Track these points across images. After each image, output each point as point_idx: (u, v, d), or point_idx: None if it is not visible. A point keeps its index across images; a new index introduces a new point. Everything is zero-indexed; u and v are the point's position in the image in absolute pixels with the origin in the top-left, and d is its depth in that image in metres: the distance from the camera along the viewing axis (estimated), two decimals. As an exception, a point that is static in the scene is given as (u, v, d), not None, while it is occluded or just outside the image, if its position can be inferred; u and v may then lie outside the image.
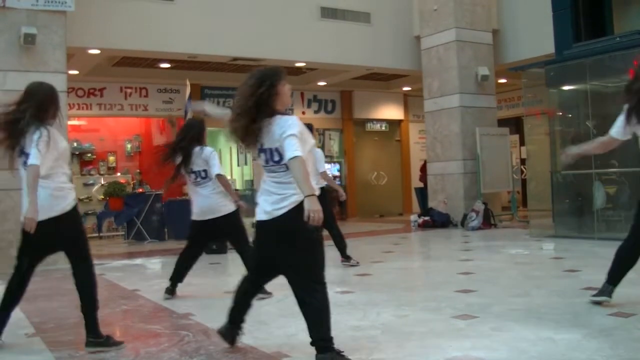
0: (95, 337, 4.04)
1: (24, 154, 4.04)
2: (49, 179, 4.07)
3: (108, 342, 4.06)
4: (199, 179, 5.76)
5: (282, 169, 3.45)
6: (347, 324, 4.48)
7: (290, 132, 3.34)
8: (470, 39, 12.76)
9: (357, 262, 7.50)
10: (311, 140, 3.54)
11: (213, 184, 5.73)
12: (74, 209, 4.20)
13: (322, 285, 3.54)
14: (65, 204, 4.15)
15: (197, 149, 5.76)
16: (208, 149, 5.83)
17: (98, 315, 4.15)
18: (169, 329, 4.56)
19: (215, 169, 5.70)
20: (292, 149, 3.29)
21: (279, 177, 3.49)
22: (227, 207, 5.76)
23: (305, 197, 3.25)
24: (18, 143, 4.06)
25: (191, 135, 5.84)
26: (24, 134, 4.02)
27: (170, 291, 5.84)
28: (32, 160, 3.91)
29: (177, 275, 5.90)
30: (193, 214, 5.89)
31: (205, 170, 5.73)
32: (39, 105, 4.08)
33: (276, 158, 3.47)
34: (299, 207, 3.34)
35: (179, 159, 5.78)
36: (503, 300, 5.16)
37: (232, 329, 3.90)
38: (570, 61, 10.23)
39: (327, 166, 7.18)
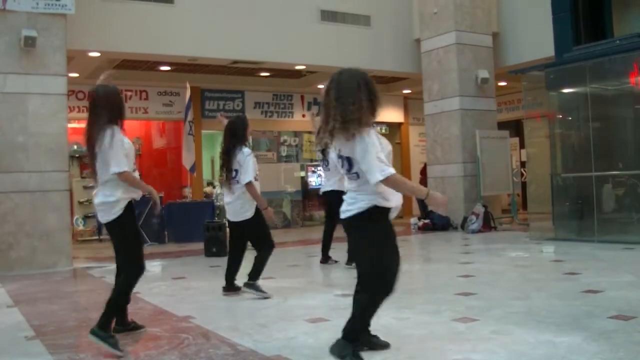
0: (99, 328, 4.00)
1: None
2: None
3: (107, 338, 3.99)
4: (230, 179, 5.79)
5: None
6: (347, 327, 4.47)
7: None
8: (470, 42, 12.76)
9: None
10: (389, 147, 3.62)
11: (241, 188, 5.75)
12: (118, 218, 4.23)
13: (360, 288, 3.57)
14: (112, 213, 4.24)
15: (237, 148, 5.77)
16: (245, 151, 5.78)
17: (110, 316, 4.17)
18: (169, 331, 4.55)
19: (246, 177, 5.66)
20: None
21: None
22: (249, 212, 5.78)
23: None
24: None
25: (232, 132, 5.85)
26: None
27: (226, 288, 6.04)
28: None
29: (227, 273, 6.07)
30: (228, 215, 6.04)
31: (237, 171, 5.74)
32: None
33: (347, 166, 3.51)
34: (362, 213, 3.47)
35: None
36: (503, 303, 5.15)
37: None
38: (570, 64, 10.23)
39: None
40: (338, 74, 3.49)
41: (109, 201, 4.20)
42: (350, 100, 3.34)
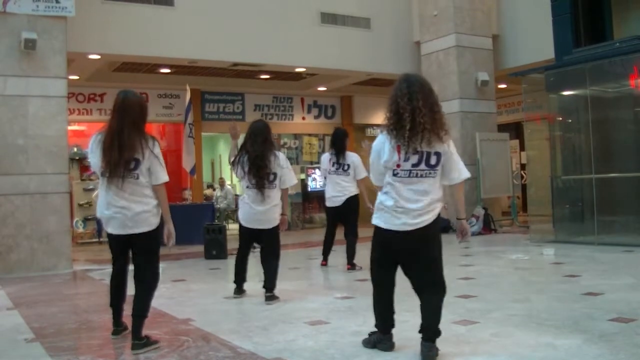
0: (139, 340, 4.08)
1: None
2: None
3: (149, 342, 4.12)
4: (265, 182, 5.68)
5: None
6: (347, 330, 4.48)
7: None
8: (470, 44, 12.76)
9: (360, 267, 7.50)
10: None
11: (275, 192, 5.73)
12: (158, 227, 4.28)
13: (435, 291, 3.80)
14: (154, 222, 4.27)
15: (272, 152, 5.74)
16: (283, 155, 5.85)
17: (127, 322, 4.21)
18: (169, 334, 4.55)
19: (293, 178, 5.81)
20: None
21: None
22: (276, 220, 5.79)
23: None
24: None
25: (266, 134, 5.77)
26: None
27: (238, 291, 6.03)
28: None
29: (239, 278, 6.04)
30: (242, 220, 5.87)
31: (275, 174, 5.71)
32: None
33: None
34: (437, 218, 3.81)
35: (245, 161, 5.73)
36: (503, 305, 5.15)
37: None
38: (570, 66, 10.24)
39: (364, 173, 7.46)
40: (415, 78, 3.78)
41: (151, 210, 4.18)
42: (437, 106, 3.70)
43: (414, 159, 3.66)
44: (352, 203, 7.58)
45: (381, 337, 3.92)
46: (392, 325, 3.94)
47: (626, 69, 9.66)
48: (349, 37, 12.87)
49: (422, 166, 3.68)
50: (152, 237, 4.20)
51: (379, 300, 3.98)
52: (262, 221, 5.75)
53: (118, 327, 4.47)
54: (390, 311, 3.95)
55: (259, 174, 5.64)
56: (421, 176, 3.70)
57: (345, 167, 7.57)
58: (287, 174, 5.76)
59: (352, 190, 7.57)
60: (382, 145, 3.74)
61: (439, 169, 3.73)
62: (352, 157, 7.58)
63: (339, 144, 7.67)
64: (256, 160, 5.64)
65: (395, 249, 3.83)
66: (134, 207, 4.13)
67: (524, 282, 6.52)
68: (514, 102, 16.77)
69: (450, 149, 3.74)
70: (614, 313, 4.62)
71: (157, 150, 4.18)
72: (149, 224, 4.19)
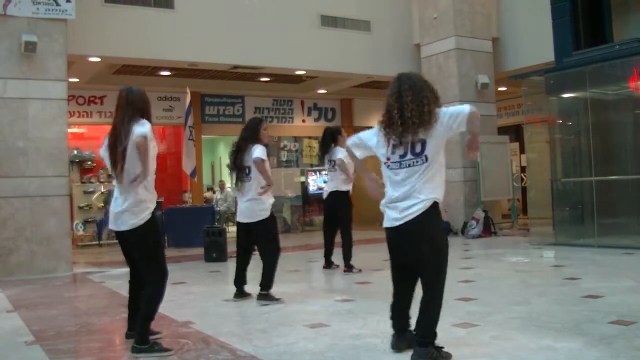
0: (140, 344, 4.03)
1: None
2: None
3: (153, 348, 4.05)
4: (243, 176, 5.83)
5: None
6: (347, 333, 4.47)
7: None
8: (470, 47, 12.77)
9: (360, 270, 7.50)
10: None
11: (255, 185, 5.76)
12: (147, 222, 4.16)
13: (432, 288, 3.68)
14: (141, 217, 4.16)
15: (250, 145, 5.80)
16: (260, 146, 5.81)
17: (139, 325, 4.12)
18: (169, 337, 4.54)
19: (256, 153, 5.67)
20: None
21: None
22: (264, 212, 5.79)
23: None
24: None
25: (249, 131, 5.89)
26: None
27: (238, 295, 6.01)
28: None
29: (238, 280, 6.04)
30: (237, 216, 6.01)
31: (249, 167, 5.78)
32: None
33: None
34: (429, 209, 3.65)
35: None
36: (503, 308, 5.15)
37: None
38: (570, 69, 10.24)
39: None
40: (406, 76, 3.77)
41: (138, 204, 4.10)
42: (426, 99, 3.66)
43: (401, 150, 3.71)
44: (337, 198, 7.66)
45: (394, 336, 3.91)
46: (404, 328, 3.88)
47: (626, 72, 9.67)
48: (349, 40, 12.87)
49: (409, 156, 3.70)
50: (147, 233, 4.12)
51: (393, 302, 3.92)
52: (245, 214, 5.86)
53: (131, 331, 4.43)
54: (402, 315, 3.89)
55: (236, 166, 5.84)
56: (410, 165, 3.68)
57: (333, 163, 7.68)
58: (250, 156, 5.72)
59: (335, 184, 7.68)
60: (374, 134, 3.89)
61: (428, 156, 3.62)
62: (338, 152, 7.60)
63: (325, 142, 7.89)
64: (234, 153, 5.87)
65: (393, 248, 3.81)
66: (123, 203, 4.12)
67: (524, 284, 6.52)
68: (514, 104, 16.77)
69: (438, 124, 3.62)
70: (614, 316, 4.62)
71: (139, 132, 4.08)
72: (135, 218, 4.10)
